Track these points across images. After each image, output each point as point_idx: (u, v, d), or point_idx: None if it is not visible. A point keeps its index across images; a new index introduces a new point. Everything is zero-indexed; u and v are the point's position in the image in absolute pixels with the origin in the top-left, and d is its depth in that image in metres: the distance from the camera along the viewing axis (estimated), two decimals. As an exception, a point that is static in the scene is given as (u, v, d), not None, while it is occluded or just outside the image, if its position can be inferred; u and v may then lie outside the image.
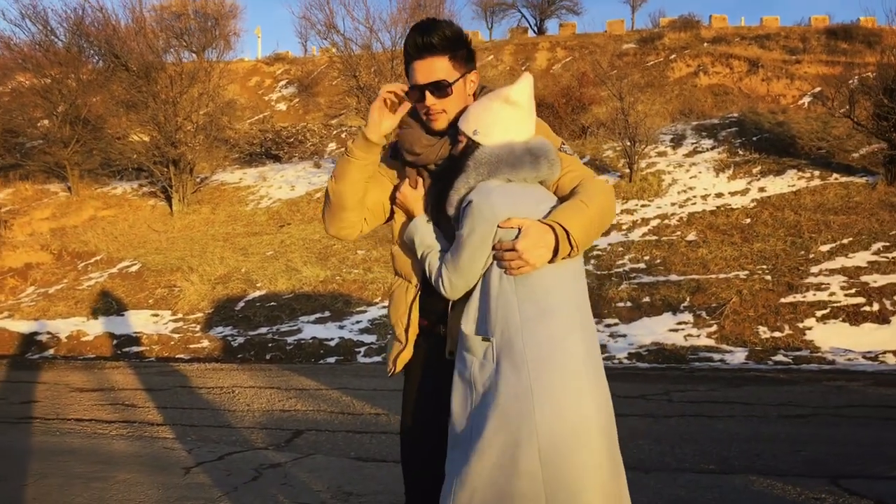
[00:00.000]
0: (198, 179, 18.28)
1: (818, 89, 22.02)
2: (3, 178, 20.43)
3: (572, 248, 2.02)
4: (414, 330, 2.30)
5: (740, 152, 16.37)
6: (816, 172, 14.63)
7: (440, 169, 2.25)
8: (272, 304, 13.01)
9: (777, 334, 10.52)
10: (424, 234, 2.23)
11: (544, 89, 20.68)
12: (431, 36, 2.19)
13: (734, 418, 5.91)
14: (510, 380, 1.97)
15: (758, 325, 10.78)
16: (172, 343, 11.58)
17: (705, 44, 26.62)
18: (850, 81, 20.41)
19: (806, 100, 21.87)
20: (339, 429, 5.81)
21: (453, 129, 2.23)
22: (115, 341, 11.80)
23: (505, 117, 2.14)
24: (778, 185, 14.56)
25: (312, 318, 12.46)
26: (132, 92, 16.88)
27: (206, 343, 11.55)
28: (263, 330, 12.16)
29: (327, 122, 24.67)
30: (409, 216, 2.30)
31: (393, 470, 4.64)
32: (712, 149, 16.94)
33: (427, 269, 2.18)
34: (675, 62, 25.55)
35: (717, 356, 9.85)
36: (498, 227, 2.02)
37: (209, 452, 5.14)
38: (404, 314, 2.31)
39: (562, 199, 2.17)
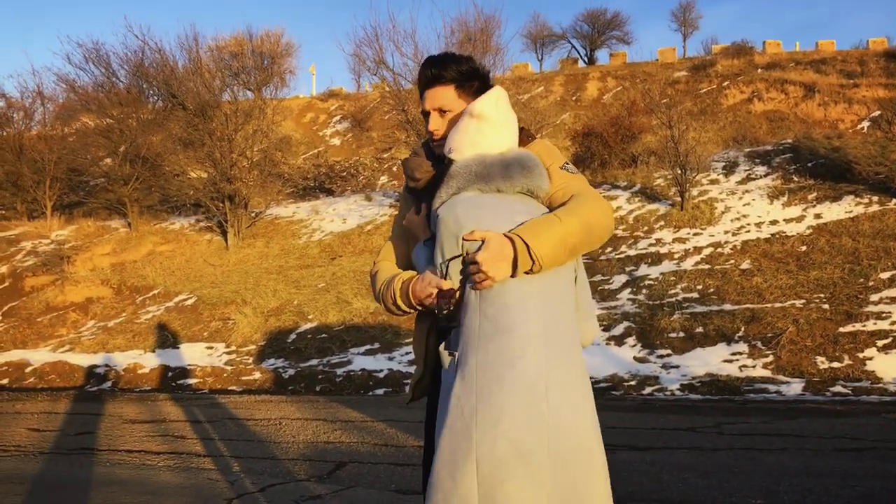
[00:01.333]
0: (252, 214, 18.65)
1: (877, 113, 21.52)
2: (68, 216, 21.15)
3: (533, 262, 1.97)
4: (432, 358, 2.30)
5: (795, 178, 16.04)
6: (875, 198, 14.26)
7: (426, 190, 2.30)
8: (323, 335, 13.13)
9: (836, 364, 10.21)
10: (418, 259, 2.23)
11: (594, 119, 20.65)
12: (440, 68, 2.30)
13: (786, 451, 5.73)
14: (460, 396, 1.93)
15: (816, 355, 10.49)
16: (225, 375, 11.76)
17: (759, 70, 26.30)
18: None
19: (865, 124, 21.41)
20: (382, 461, 5.80)
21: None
22: (169, 373, 12.03)
23: (471, 130, 2.17)
24: (835, 211, 14.22)
25: (362, 349, 12.53)
26: (189, 130, 17.39)
27: (257, 375, 11.69)
28: (314, 362, 12.27)
29: (379, 155, 24.98)
30: (416, 242, 2.33)
31: (432, 502, 4.60)
32: (766, 175, 16.65)
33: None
34: (728, 89, 25.30)
35: (772, 387, 9.60)
36: (462, 238, 1.98)
37: (252, 484, 5.19)
38: (422, 342, 2.32)
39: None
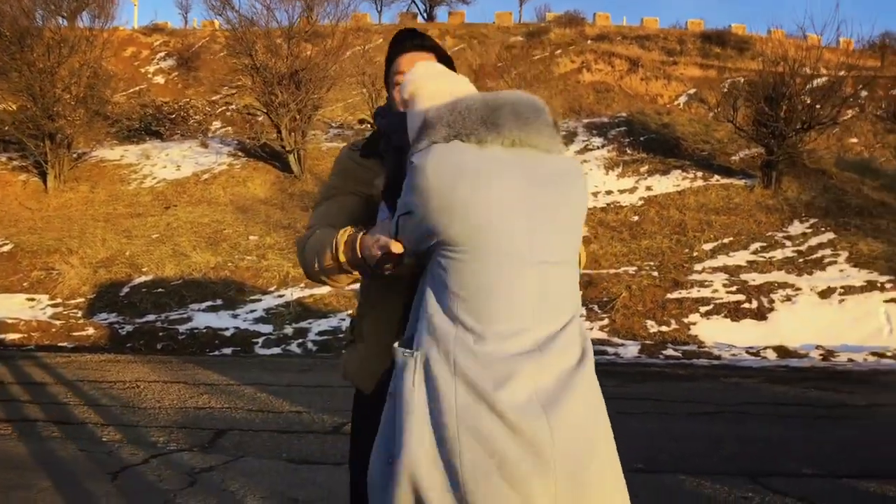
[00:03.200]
0: (75, 155, 17.28)
1: (693, 90, 23.11)
2: None
3: None
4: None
5: (629, 151, 17.00)
6: (699, 173, 15.40)
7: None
8: (160, 290, 12.52)
9: (664, 328, 11.05)
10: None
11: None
12: (422, 38, 2.24)
13: (647, 415, 6.17)
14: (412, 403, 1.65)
15: (646, 319, 11.28)
16: (54, 330, 10.95)
17: (589, 41, 27.37)
18: (722, 85, 21.58)
19: (682, 100, 22.91)
20: (262, 428, 5.67)
21: None
22: (-12, 327, 11.03)
23: (439, 72, 1.91)
24: (664, 184, 15.23)
25: (203, 305, 12.08)
26: (4, 58, 15.74)
27: (90, 331, 10.99)
28: (151, 317, 11.69)
29: (211, 98, 23.84)
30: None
31: (331, 473, 4.58)
32: (602, 147, 17.51)
33: None
34: (560, 58, 26.14)
35: (611, 349, 10.23)
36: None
37: (131, 455, 4.91)
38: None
39: None
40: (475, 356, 1.59)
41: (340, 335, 10.38)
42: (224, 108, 23.07)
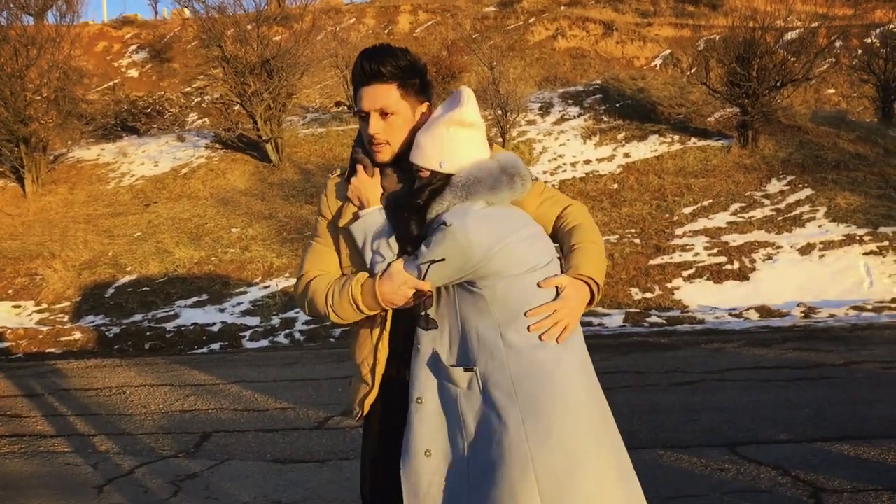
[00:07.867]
0: (51, 157, 17.17)
1: (668, 51, 23.09)
2: None
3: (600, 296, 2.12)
4: (380, 370, 2.21)
5: (605, 119, 16.99)
6: (676, 137, 15.42)
7: (398, 198, 2.16)
8: (145, 289, 12.53)
9: (648, 295, 11.12)
10: (378, 224, 2.14)
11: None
12: (380, 63, 2.14)
13: (630, 388, 6.25)
14: (500, 410, 1.93)
15: (630, 287, 11.35)
16: (41, 337, 10.96)
17: (562, 7, 27.27)
18: (697, 44, 21.54)
19: (658, 61, 22.89)
20: (248, 428, 5.73)
21: (406, 163, 2.15)
22: (-26, 338, 11.04)
23: (466, 140, 2.07)
24: (641, 150, 15.25)
25: (189, 302, 12.10)
26: (-30, 65, 15.60)
27: (78, 335, 11.00)
28: (138, 317, 11.71)
29: (186, 90, 23.68)
30: (360, 206, 2.20)
31: (316, 472, 4.65)
32: (579, 116, 17.50)
33: (371, 261, 2.12)
34: (534, 26, 26.05)
35: (596, 320, 10.29)
36: (538, 285, 1.99)
37: (117, 466, 4.96)
38: (370, 354, 2.21)
39: (542, 224, 2.18)
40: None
41: (327, 324, 10.43)
42: (199, 99, 22.92)
